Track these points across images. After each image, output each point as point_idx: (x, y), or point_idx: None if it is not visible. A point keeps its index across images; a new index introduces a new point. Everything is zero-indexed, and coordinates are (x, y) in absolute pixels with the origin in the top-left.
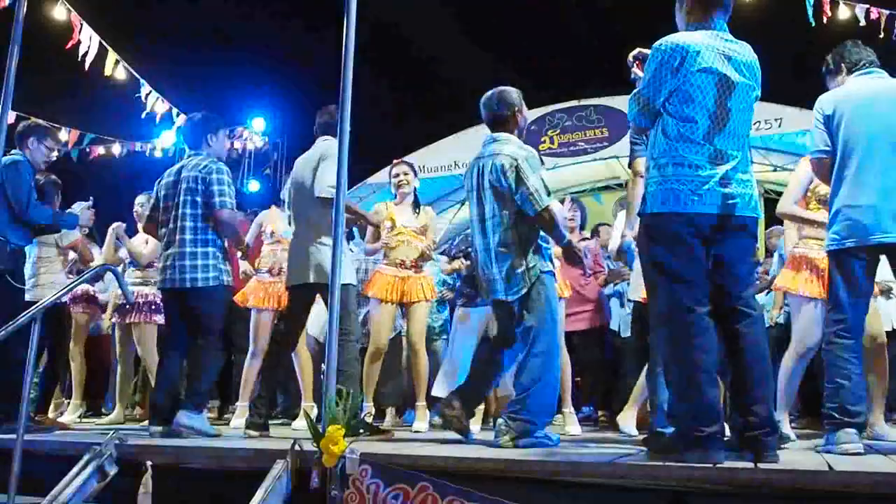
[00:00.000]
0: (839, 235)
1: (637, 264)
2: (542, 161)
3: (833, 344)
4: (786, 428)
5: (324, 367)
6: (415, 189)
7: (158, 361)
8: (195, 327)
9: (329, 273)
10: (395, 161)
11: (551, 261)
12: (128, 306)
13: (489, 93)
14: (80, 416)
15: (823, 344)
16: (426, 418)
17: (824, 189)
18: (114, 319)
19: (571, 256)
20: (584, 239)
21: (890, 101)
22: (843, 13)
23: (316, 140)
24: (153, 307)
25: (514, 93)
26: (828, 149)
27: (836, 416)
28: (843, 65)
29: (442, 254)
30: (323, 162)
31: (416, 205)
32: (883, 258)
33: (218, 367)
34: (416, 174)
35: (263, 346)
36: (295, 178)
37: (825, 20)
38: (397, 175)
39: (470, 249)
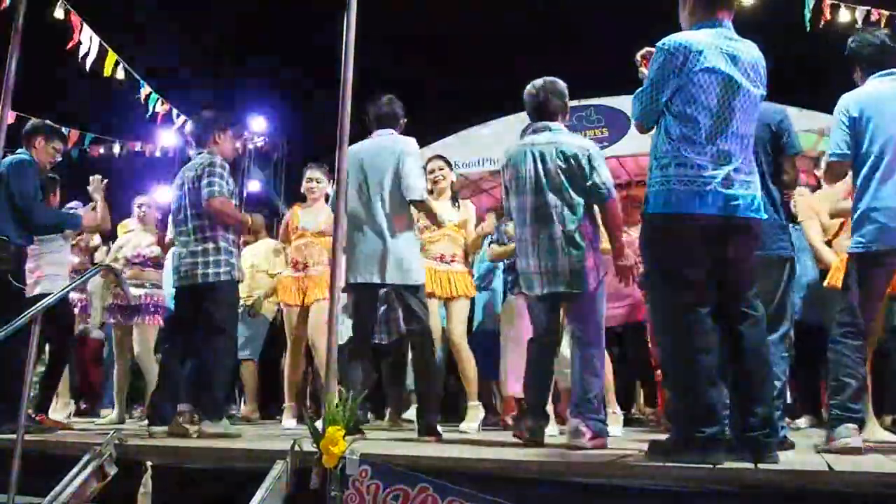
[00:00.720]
0: (864, 238)
1: None
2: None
3: (841, 343)
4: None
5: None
6: (451, 183)
7: (160, 362)
8: (207, 326)
9: (405, 272)
10: (429, 157)
11: None
12: (127, 307)
13: (540, 82)
14: (68, 416)
15: (831, 341)
16: (477, 419)
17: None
18: (111, 320)
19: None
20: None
21: None
22: (844, 16)
23: (373, 133)
24: (152, 308)
25: (563, 84)
26: (849, 151)
27: (838, 412)
28: (860, 57)
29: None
30: (408, 159)
31: (455, 198)
32: None
33: (230, 369)
34: (451, 167)
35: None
36: (361, 172)
37: (822, 22)
38: (433, 171)
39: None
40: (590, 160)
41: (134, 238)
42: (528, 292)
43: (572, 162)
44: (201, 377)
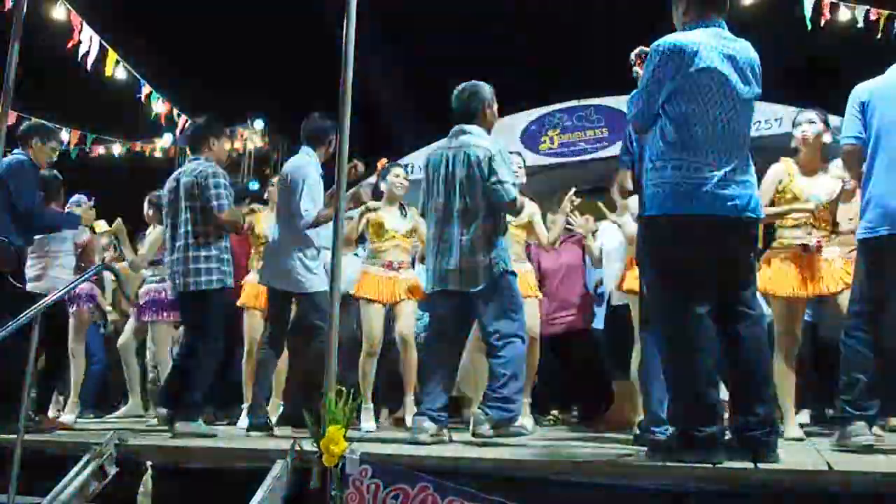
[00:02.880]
0: (871, 223)
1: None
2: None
3: (853, 337)
4: None
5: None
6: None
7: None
8: (194, 330)
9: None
10: (386, 162)
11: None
12: (135, 305)
13: (461, 86)
14: (77, 416)
15: (842, 335)
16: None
17: (792, 191)
18: (137, 317)
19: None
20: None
21: None
22: (843, 15)
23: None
24: (164, 305)
25: (486, 87)
26: (861, 136)
27: (849, 409)
28: None
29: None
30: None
31: (403, 207)
32: None
33: (211, 373)
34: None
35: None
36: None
37: (822, 23)
38: (398, 176)
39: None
40: (490, 161)
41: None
42: (434, 288)
43: (474, 166)
44: (186, 377)
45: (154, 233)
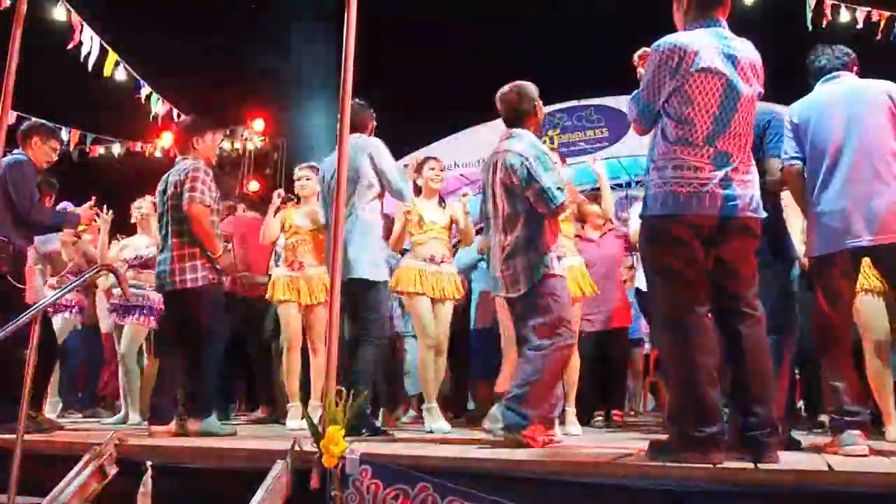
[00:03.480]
0: (815, 243)
1: None
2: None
3: (821, 348)
4: None
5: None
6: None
7: (159, 362)
8: (190, 330)
9: None
10: (425, 157)
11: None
12: (124, 307)
13: (506, 87)
14: (58, 414)
15: (814, 349)
16: (440, 418)
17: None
18: (112, 319)
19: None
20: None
21: (849, 104)
22: (844, 16)
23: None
24: (146, 310)
25: (531, 86)
26: (797, 155)
27: (837, 417)
28: (811, 70)
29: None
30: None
31: (441, 200)
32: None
33: (216, 367)
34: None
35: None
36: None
37: (823, 24)
38: (433, 169)
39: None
40: (528, 168)
41: (134, 240)
42: (494, 293)
43: (510, 173)
44: (189, 377)
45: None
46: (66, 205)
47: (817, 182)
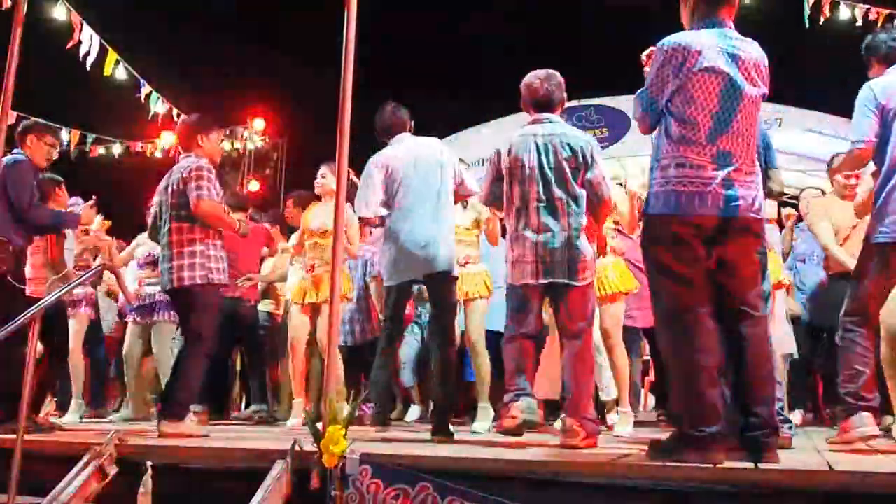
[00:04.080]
0: (889, 228)
1: None
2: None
3: (853, 332)
4: None
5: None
6: None
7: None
8: (185, 329)
9: None
10: None
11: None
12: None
13: (542, 73)
14: (80, 417)
15: (841, 331)
16: (488, 419)
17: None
18: (129, 318)
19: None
20: None
21: None
22: (843, 13)
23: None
24: (167, 305)
25: (560, 76)
26: (875, 139)
27: (852, 401)
28: (872, 59)
29: None
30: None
31: (465, 200)
32: None
33: (200, 374)
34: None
35: None
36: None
37: (822, 21)
38: None
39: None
40: (592, 155)
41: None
42: (519, 281)
43: (578, 154)
44: (171, 376)
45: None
46: (75, 200)
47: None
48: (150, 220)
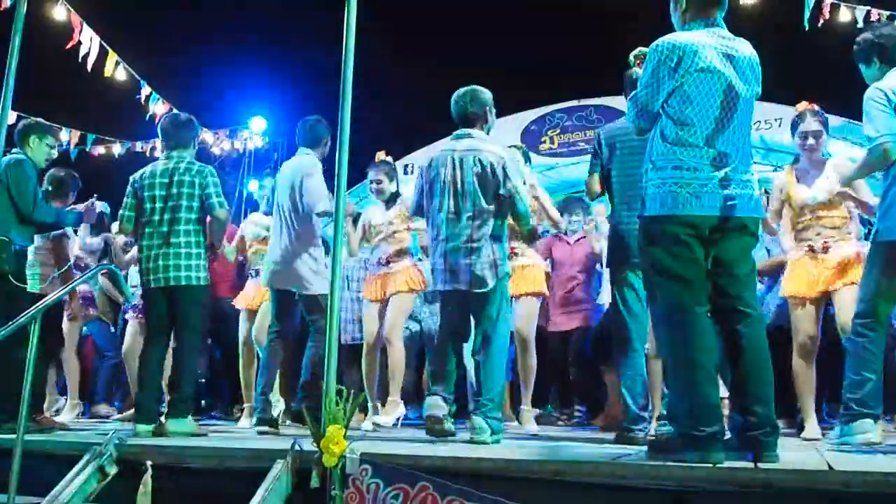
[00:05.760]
0: (894, 227)
1: None
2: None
3: (862, 336)
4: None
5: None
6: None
7: (140, 360)
8: (181, 326)
9: None
10: (385, 155)
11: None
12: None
13: (462, 91)
14: (77, 416)
15: (851, 334)
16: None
17: (799, 196)
18: (129, 316)
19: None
20: None
21: None
22: (844, 15)
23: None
24: None
25: (487, 93)
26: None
27: (855, 407)
28: (874, 58)
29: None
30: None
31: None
32: None
33: (195, 369)
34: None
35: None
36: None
37: (821, 23)
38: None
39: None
40: (504, 169)
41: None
42: (434, 287)
43: (487, 170)
44: (171, 376)
45: None
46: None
47: None
48: (126, 213)
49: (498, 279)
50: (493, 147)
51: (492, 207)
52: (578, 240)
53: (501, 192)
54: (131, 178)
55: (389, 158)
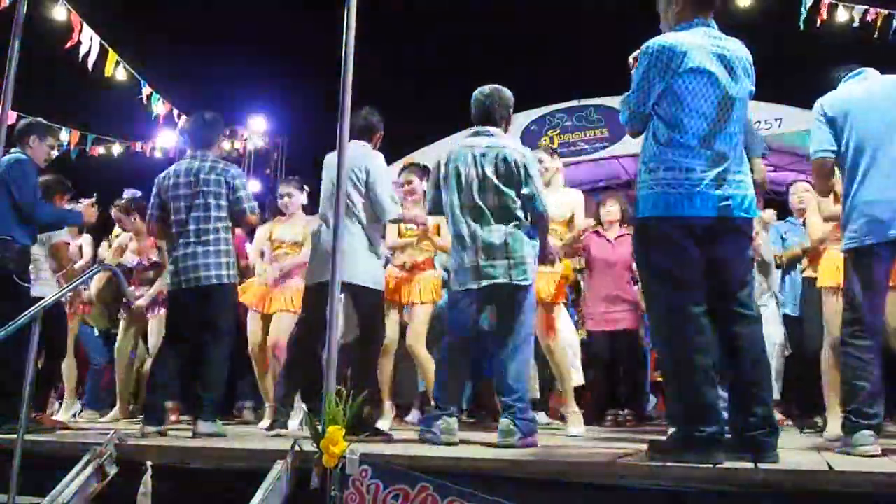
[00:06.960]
0: (858, 233)
1: None
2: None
3: (850, 345)
4: None
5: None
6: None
7: (154, 362)
8: (212, 326)
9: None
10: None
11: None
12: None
13: (488, 90)
14: (74, 415)
15: (840, 344)
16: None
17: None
18: (124, 316)
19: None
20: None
21: (886, 98)
22: (841, 15)
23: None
24: (164, 303)
25: (509, 93)
26: (833, 148)
27: (853, 419)
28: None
29: None
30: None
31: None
32: None
33: (225, 371)
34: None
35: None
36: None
37: (819, 22)
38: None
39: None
40: (526, 168)
41: (132, 243)
42: (459, 287)
43: (513, 167)
44: (202, 377)
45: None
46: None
47: (859, 173)
48: (155, 212)
49: (522, 277)
50: (516, 145)
51: (518, 203)
52: (619, 237)
53: (524, 191)
54: (156, 179)
55: (421, 163)
